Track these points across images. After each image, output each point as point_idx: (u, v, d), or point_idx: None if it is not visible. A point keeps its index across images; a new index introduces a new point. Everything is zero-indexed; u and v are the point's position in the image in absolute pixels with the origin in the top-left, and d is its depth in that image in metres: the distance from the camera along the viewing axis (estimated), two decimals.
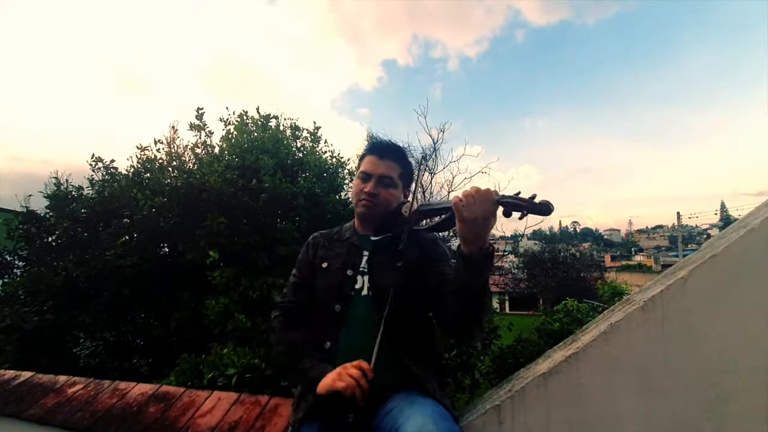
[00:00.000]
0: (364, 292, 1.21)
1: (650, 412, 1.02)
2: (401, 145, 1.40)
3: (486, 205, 0.96)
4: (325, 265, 1.28)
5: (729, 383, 0.99)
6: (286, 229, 4.05)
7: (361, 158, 1.38)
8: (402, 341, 1.15)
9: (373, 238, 1.29)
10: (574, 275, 21.75)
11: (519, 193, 0.96)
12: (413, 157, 1.45)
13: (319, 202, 4.46)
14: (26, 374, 2.00)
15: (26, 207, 4.57)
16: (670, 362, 1.03)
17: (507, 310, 21.23)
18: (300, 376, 1.15)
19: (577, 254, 25.33)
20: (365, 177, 1.31)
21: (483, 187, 0.98)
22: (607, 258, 51.19)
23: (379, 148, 1.34)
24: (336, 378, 1.02)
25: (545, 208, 0.92)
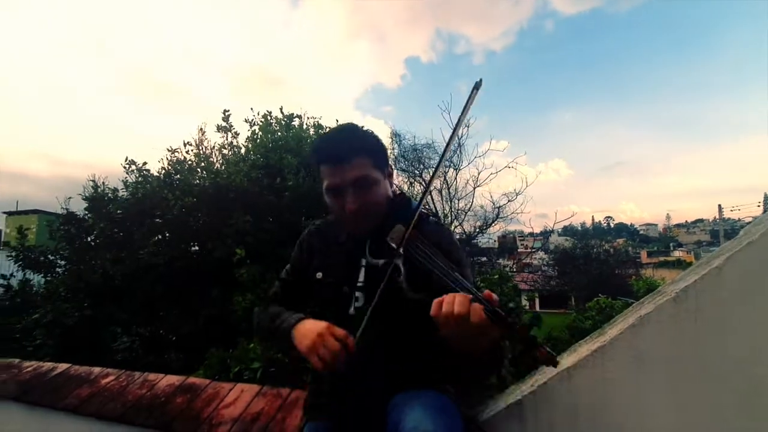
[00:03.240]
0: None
1: (680, 405, 0.97)
2: (365, 130, 1.13)
3: (464, 327, 0.79)
4: (320, 275, 1.15)
5: (762, 375, 0.93)
6: None
7: (318, 169, 1.10)
8: (403, 339, 1.05)
9: (364, 263, 1.10)
10: (608, 272, 21.04)
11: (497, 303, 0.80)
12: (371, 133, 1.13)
13: None
14: (63, 366, 2.09)
15: (66, 209, 4.80)
16: (702, 355, 0.96)
17: (537, 308, 20.79)
18: (276, 329, 1.08)
19: (611, 250, 24.44)
20: (336, 192, 1.05)
21: (463, 306, 0.79)
22: (644, 254, 49.31)
23: (336, 152, 1.05)
24: (311, 347, 0.93)
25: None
